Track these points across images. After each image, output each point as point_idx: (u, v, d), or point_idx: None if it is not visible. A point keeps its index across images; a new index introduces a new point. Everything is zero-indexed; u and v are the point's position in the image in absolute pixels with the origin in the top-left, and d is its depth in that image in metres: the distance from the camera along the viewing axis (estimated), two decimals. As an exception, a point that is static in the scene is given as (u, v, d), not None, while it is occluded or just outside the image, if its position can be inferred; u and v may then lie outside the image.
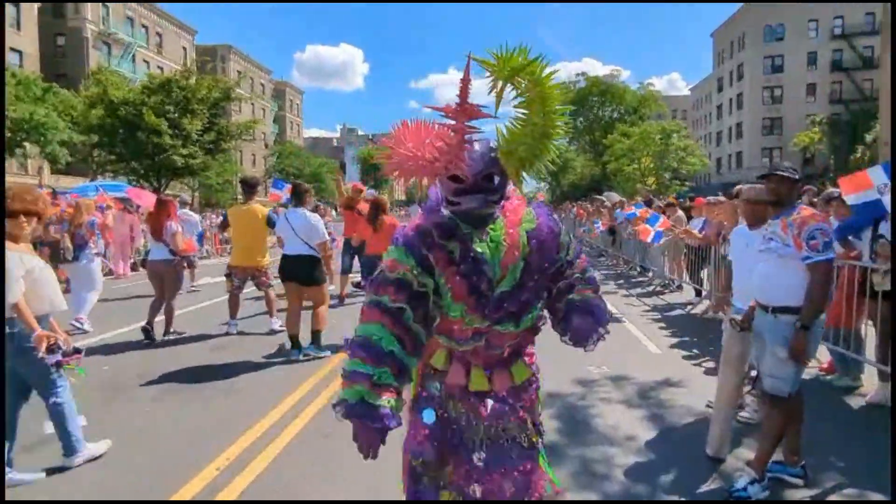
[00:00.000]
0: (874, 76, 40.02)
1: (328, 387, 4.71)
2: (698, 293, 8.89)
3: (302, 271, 5.60)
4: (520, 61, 1.50)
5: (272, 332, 6.63)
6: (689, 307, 8.50)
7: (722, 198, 8.27)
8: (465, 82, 1.56)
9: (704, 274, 8.53)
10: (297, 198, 5.87)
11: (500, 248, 1.67)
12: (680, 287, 10.04)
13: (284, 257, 5.71)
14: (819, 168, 37.12)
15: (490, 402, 1.77)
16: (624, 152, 27.80)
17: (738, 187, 8.01)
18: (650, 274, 11.45)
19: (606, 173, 34.04)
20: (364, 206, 7.72)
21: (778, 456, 3.19)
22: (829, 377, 5.00)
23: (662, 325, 7.34)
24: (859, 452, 3.55)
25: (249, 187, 6.82)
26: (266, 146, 57.90)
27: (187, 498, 2.99)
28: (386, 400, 1.52)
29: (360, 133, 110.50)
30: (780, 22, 44.07)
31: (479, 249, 1.65)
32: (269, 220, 6.57)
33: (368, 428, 1.52)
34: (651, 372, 5.18)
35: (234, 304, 6.81)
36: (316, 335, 5.71)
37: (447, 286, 1.64)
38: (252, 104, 47.11)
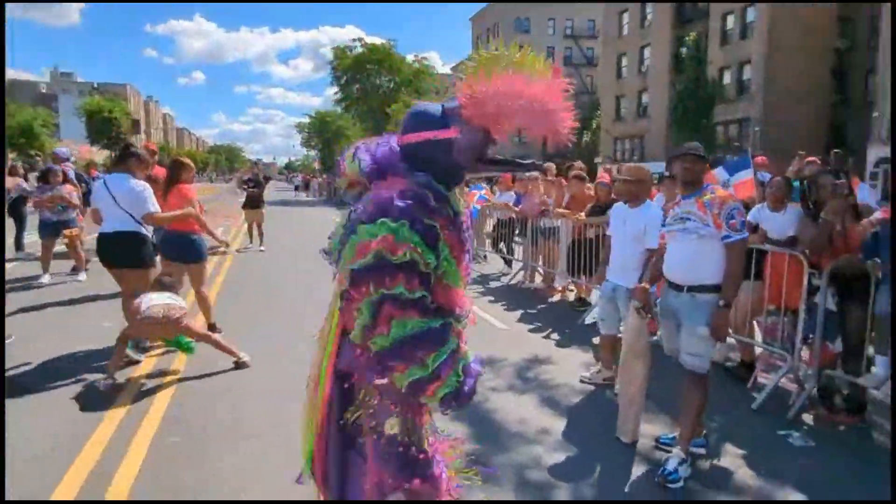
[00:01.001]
0: (594, 73, 48.50)
1: (135, 432, 3.41)
2: (508, 263, 9.37)
3: (124, 253, 4.38)
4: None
5: None
6: (505, 277, 8.87)
7: (535, 174, 8.75)
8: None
9: (520, 248, 8.94)
10: (123, 160, 4.53)
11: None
12: (485, 258, 10.46)
13: (101, 238, 4.39)
14: (560, 149, 43.57)
15: None
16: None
17: (549, 164, 8.56)
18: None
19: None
20: (160, 172, 5.96)
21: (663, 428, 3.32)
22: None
23: (491, 297, 7.45)
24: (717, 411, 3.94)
25: None
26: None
27: None
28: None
29: (78, 80, 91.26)
30: (526, 16, 49.83)
31: (457, 208, 1.62)
32: None
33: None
34: (513, 350, 5.11)
35: None
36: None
37: (451, 252, 1.53)
38: None
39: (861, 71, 27.95)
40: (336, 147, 51.92)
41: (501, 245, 9.65)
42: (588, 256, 6.34)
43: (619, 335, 4.31)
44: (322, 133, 53.06)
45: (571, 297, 7.20)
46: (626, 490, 2.93)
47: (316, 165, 35.99)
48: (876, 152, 21.78)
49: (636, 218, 4.04)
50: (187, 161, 5.28)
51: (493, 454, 3.18)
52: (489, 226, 10.41)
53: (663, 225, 3.32)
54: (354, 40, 37.10)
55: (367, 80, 36.69)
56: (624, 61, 37.21)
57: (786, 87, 27.38)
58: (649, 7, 34.25)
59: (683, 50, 30.05)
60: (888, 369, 3.49)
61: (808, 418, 3.83)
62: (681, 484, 2.93)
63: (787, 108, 27.25)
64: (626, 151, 37.32)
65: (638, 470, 3.12)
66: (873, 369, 3.60)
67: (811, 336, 3.99)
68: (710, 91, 27.41)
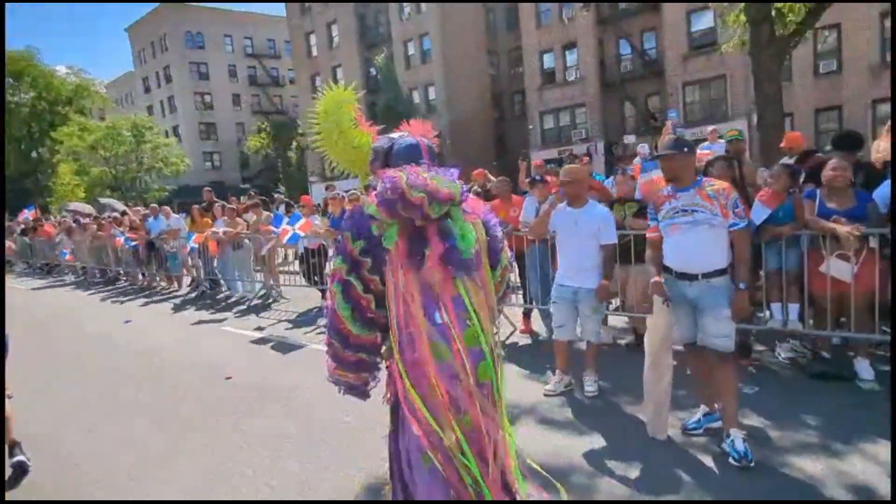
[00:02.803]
0: (282, 93, 47.95)
1: None
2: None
3: None
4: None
5: None
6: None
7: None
8: None
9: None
10: None
11: None
12: (281, 295, 9.21)
13: None
14: (257, 170, 41.78)
15: None
16: (85, 150, 22.23)
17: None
18: (232, 289, 9.93)
19: (39, 179, 26.30)
20: None
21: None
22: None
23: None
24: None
25: None
26: None
27: None
28: None
29: None
30: (198, 31, 45.61)
31: None
32: None
33: None
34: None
35: None
36: None
37: None
38: None
39: (509, 93, 34.82)
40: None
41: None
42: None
43: (572, 340, 4.35)
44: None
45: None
46: (720, 483, 2.93)
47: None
48: (537, 155, 27.48)
49: (587, 217, 4.10)
50: None
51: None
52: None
53: (655, 219, 3.43)
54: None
55: (-2, 99, 27.97)
56: (318, 81, 37.76)
57: (462, 106, 32.14)
58: (335, 30, 35.58)
59: (373, 70, 32.26)
60: (783, 313, 4.39)
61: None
62: (753, 462, 3.08)
63: (465, 123, 32.03)
64: (339, 167, 37.97)
65: (706, 460, 3.16)
66: (773, 317, 4.48)
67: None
68: (409, 108, 30.15)
